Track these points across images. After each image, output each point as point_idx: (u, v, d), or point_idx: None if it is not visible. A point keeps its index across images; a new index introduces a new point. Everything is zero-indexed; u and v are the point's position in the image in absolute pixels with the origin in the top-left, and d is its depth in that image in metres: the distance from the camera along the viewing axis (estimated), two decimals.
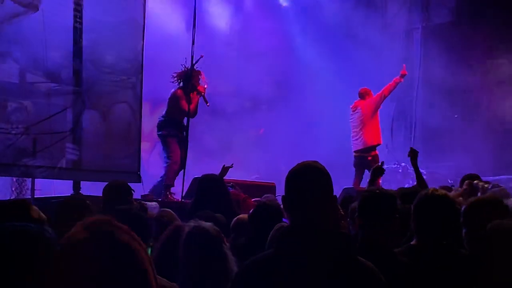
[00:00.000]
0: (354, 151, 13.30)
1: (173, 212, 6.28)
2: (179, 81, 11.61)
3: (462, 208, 4.37)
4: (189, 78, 11.44)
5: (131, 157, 11.14)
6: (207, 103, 11.61)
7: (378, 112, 13.43)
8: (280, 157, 14.89)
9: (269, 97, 16.53)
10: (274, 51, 16.48)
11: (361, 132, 13.22)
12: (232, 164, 9.63)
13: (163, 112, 11.65)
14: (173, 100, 11.49)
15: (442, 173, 15.34)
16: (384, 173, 7.83)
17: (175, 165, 11.33)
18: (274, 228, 5.22)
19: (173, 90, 11.63)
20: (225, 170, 9.38)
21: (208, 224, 4.28)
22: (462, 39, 15.70)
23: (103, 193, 6.91)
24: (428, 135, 16.71)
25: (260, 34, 16.50)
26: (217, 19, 16.16)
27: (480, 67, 15.32)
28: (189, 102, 11.35)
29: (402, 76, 13.41)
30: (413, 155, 7.94)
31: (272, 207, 6.15)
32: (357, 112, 13.36)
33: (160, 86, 12.91)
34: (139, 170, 11.19)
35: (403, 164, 15.44)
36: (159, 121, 11.59)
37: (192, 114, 11.53)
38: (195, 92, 11.53)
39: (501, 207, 4.24)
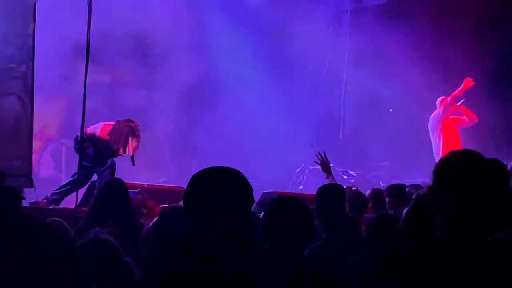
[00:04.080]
0: None
1: (63, 222, 6.36)
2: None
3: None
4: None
5: (21, 158, 10.98)
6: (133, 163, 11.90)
7: (444, 125, 13.74)
8: (192, 158, 15.10)
9: (182, 91, 16.60)
10: (193, 43, 16.64)
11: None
12: None
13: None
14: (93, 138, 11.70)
15: (375, 175, 15.80)
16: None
17: None
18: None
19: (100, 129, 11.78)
20: None
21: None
22: (397, 24, 15.86)
23: None
24: (359, 132, 17.08)
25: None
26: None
27: (420, 56, 15.45)
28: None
29: (462, 91, 13.59)
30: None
31: (179, 213, 6.41)
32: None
33: (54, 75, 12.90)
34: (30, 174, 11.07)
35: (331, 165, 15.86)
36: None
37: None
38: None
39: None
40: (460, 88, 13.57)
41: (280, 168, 15.79)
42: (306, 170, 16.02)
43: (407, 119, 14.87)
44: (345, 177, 15.48)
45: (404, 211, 4.74)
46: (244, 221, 3.30)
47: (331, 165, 15.72)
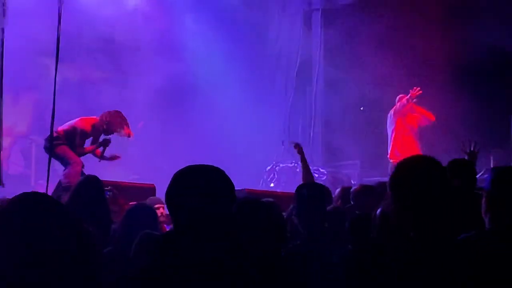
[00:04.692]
0: None
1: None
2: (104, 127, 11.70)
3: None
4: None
5: None
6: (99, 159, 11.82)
7: (397, 124, 13.80)
8: (164, 156, 15.09)
9: (154, 90, 16.59)
10: (165, 43, 16.64)
11: None
12: None
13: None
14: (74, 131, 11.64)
15: (346, 173, 15.85)
16: None
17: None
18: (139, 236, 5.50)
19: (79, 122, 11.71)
20: None
21: None
22: (369, 22, 15.97)
23: None
24: (329, 130, 17.15)
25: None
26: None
27: (387, 55, 15.51)
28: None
29: (411, 98, 13.46)
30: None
31: (145, 209, 6.43)
32: None
33: (23, 73, 12.80)
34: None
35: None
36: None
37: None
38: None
39: None
40: (408, 96, 13.44)
41: (251, 166, 15.81)
42: (277, 168, 16.07)
43: (378, 117, 14.92)
44: (316, 175, 15.50)
45: (378, 210, 4.78)
46: (230, 218, 3.28)
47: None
